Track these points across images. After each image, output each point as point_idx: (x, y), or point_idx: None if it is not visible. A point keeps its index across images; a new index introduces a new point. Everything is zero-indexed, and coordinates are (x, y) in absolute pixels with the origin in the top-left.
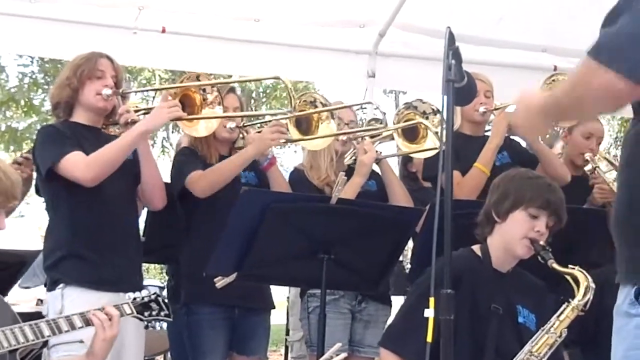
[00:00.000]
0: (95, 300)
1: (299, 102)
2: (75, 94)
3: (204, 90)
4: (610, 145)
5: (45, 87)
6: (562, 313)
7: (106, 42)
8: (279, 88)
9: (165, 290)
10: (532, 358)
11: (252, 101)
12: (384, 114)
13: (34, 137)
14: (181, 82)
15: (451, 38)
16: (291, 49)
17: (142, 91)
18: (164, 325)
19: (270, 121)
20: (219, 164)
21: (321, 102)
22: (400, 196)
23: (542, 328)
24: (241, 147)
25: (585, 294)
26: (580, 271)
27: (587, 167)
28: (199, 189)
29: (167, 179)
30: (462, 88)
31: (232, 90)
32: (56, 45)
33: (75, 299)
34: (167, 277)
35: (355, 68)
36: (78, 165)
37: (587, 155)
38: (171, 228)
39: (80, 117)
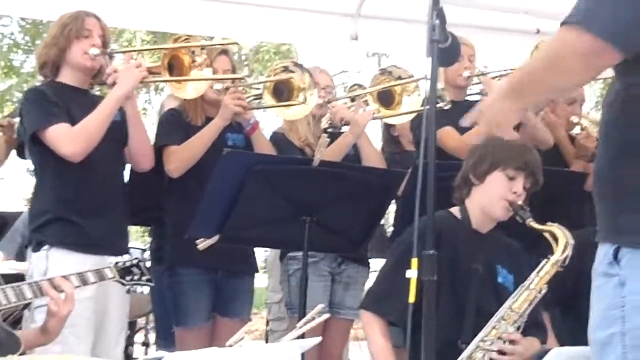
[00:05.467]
0: (80, 262)
1: (275, 72)
2: (63, 53)
3: (193, 52)
4: (592, 109)
5: (26, 47)
6: (541, 269)
7: (86, 3)
8: (261, 51)
9: (148, 252)
10: (512, 314)
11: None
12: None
13: (14, 99)
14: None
15: None
16: (273, 10)
17: (129, 51)
18: (146, 288)
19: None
20: (189, 140)
21: (297, 66)
22: (373, 160)
23: (522, 285)
24: None
25: (564, 250)
26: (559, 227)
27: (576, 130)
28: (172, 168)
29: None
30: (446, 49)
31: (224, 52)
32: (37, 5)
33: (60, 261)
34: (149, 240)
35: (338, 30)
36: (63, 141)
37: (574, 119)
38: (155, 190)
39: (66, 77)
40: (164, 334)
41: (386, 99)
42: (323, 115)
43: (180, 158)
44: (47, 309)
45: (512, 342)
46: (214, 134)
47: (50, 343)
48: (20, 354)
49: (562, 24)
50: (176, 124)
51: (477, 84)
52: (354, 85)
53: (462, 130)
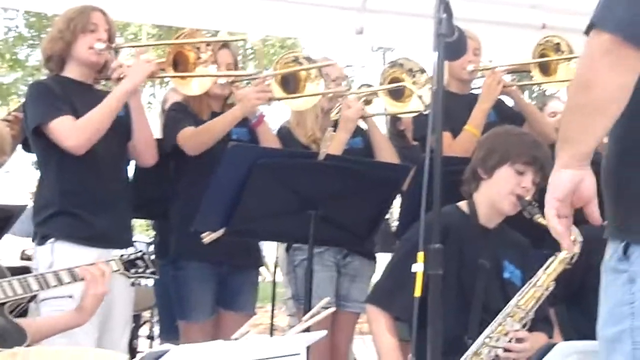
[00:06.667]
0: (85, 256)
1: (283, 63)
2: (68, 47)
3: (198, 48)
4: None
5: (31, 41)
6: (549, 266)
7: None
8: (267, 45)
9: (153, 246)
10: (518, 311)
11: (240, 58)
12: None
13: (20, 92)
14: (177, 38)
15: None
16: (278, 4)
17: (136, 46)
18: (151, 281)
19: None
20: (209, 122)
21: (305, 59)
22: (386, 153)
23: (529, 281)
24: (233, 104)
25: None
26: None
27: None
28: (189, 146)
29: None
30: (452, 43)
31: (226, 45)
32: None
33: (65, 254)
34: (153, 234)
35: (343, 24)
36: (66, 133)
37: None
38: (159, 184)
39: (72, 71)
40: (167, 327)
41: (396, 92)
42: (332, 108)
43: (199, 138)
44: (85, 287)
45: (518, 339)
46: (233, 121)
47: (86, 322)
48: (27, 345)
49: (587, 29)
50: (184, 113)
51: (481, 77)
52: (362, 85)
53: (458, 131)
